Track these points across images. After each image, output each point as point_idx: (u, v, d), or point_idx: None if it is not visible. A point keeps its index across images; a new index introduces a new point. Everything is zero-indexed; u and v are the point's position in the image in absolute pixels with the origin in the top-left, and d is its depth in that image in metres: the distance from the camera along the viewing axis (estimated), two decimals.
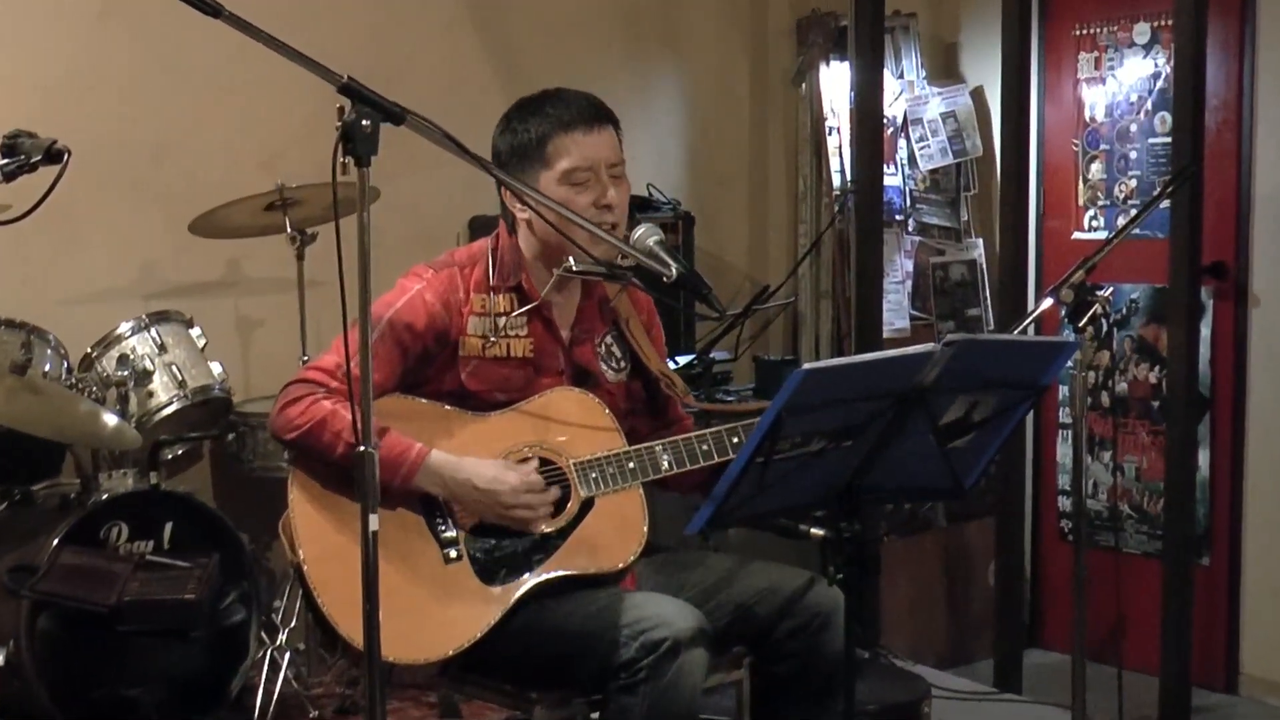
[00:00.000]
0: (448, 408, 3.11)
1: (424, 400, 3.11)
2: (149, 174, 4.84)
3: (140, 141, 4.82)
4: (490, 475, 3.01)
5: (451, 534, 3.03)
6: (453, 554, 3.02)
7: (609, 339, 3.30)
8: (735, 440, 3.08)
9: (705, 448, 3.10)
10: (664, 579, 3.19)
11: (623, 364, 3.30)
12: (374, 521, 2.48)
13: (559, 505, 3.07)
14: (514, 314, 3.16)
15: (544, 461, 3.09)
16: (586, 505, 3.07)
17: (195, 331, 4.55)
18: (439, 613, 2.97)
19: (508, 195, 3.17)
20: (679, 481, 3.16)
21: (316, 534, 2.98)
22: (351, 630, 2.83)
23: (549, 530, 3.05)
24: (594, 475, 3.07)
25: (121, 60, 4.79)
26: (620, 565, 3.05)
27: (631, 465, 3.09)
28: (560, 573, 3.02)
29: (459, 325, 3.12)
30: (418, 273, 3.16)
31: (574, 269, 3.11)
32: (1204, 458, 5.00)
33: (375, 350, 2.98)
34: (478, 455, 3.05)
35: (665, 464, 3.09)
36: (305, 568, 2.96)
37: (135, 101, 4.80)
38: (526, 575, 3.01)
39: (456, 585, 2.99)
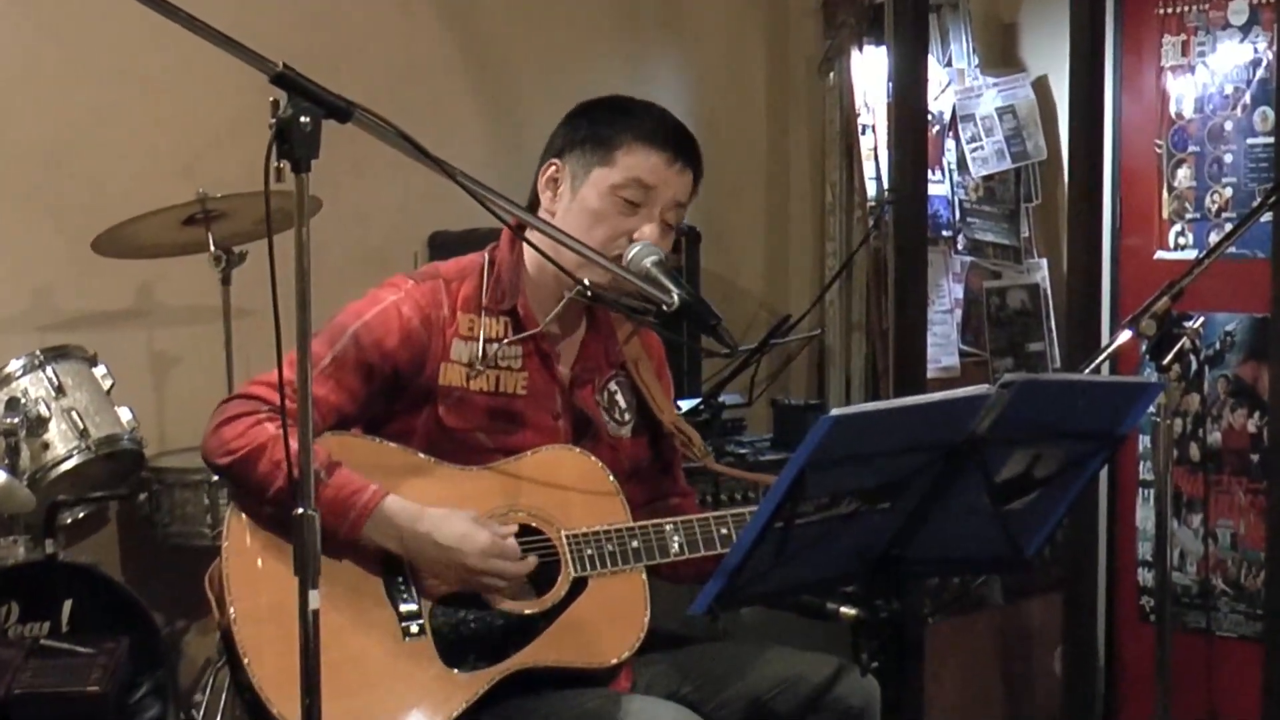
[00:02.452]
0: (422, 456, 3.11)
1: (393, 445, 3.11)
2: (43, 182, 4.84)
3: (33, 143, 4.82)
4: (457, 532, 2.99)
5: (414, 605, 3.02)
6: (414, 628, 3.00)
7: (612, 385, 3.30)
8: None
9: (724, 532, 3.11)
10: (664, 668, 3.20)
11: (627, 416, 3.31)
12: (314, 598, 2.46)
13: (545, 583, 3.06)
14: (507, 342, 3.16)
15: (531, 530, 3.08)
16: (578, 585, 3.06)
17: (100, 370, 4.55)
18: (391, 697, 2.94)
19: (545, 177, 3.18)
20: (674, 567, 3.16)
21: (252, 589, 2.95)
22: (286, 710, 2.82)
23: (531, 611, 3.04)
24: (589, 552, 3.07)
25: (11, 47, 4.79)
26: (612, 661, 3.04)
27: (635, 545, 3.09)
28: (539, 663, 3.01)
29: (440, 349, 3.12)
30: (395, 283, 3.17)
31: (589, 292, 3.10)
32: None
33: (334, 369, 3.00)
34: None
35: (675, 547, 3.10)
36: (235, 628, 2.93)
37: (26, 96, 4.80)
38: (499, 662, 3.00)
39: (414, 666, 2.98)
